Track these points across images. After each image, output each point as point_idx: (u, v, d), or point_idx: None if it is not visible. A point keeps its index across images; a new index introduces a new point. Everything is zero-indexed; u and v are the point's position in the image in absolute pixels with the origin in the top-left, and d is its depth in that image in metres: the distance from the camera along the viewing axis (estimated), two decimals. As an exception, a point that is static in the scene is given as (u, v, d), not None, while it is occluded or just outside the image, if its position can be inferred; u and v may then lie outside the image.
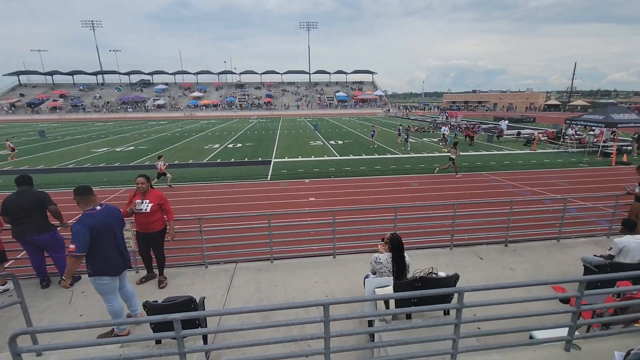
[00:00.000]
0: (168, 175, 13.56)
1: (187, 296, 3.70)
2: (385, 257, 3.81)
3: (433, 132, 32.83)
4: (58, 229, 5.38)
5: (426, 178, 14.72)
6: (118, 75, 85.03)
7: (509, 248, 6.60)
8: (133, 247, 5.53)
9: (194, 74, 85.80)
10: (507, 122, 32.63)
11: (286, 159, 19.70)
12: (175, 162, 19.11)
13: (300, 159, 19.83)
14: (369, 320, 4.04)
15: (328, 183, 14.07)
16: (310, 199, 11.88)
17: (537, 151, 21.54)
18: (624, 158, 18.11)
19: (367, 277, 4.37)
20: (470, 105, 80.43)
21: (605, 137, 21.07)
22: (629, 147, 20.15)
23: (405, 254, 4.03)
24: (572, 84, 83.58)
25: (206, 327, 3.85)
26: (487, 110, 71.01)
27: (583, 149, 21.19)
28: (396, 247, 3.75)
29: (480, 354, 3.17)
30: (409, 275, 4.18)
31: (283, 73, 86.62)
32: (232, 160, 19.71)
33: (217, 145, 25.77)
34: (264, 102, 76.12)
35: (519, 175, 15.11)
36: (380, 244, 4.05)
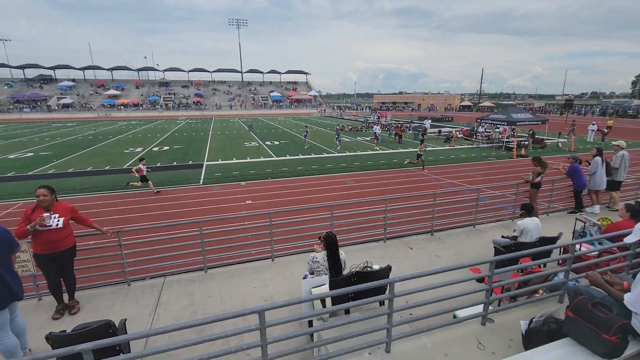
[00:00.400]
0: (149, 182, 12.71)
1: (104, 320, 3.25)
2: (321, 255, 3.83)
3: (366, 131, 34.39)
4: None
5: (361, 175, 15.34)
6: (9, 70, 71.81)
7: (435, 237, 7.18)
8: (33, 271, 4.69)
9: (108, 69, 76.84)
10: (430, 121, 35.76)
11: (220, 162, 18.80)
12: (89, 169, 16.91)
13: (235, 161, 19.11)
14: (309, 321, 4.02)
15: (265, 185, 13.80)
16: (247, 202, 11.51)
17: (455, 147, 23.98)
18: (522, 151, 21.14)
19: (305, 277, 4.35)
20: (398, 106, 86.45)
21: (507, 134, 24.40)
22: (525, 142, 23.60)
23: (341, 251, 4.10)
24: (480, 87, 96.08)
25: (129, 352, 3.42)
26: (412, 111, 77.01)
27: (491, 145, 24.21)
28: (331, 245, 3.79)
29: (412, 339, 3.36)
30: (346, 272, 4.27)
31: (213, 71, 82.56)
32: (159, 164, 18.13)
33: (139, 149, 23.47)
34: (193, 102, 71.74)
35: (441, 169, 16.65)
36: (316, 244, 4.07)
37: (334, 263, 3.81)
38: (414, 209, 7.72)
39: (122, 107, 65.78)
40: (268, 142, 26.35)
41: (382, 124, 34.88)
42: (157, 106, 68.56)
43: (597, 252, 4.62)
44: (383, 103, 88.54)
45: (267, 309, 2.59)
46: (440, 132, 31.43)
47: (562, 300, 3.89)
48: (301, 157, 20.13)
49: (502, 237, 6.06)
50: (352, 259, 5.56)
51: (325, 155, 20.69)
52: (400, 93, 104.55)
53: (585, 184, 8.49)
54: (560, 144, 24.31)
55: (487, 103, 79.55)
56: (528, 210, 5.70)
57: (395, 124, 37.83)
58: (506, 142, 23.36)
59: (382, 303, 4.19)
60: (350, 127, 36.84)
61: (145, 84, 79.81)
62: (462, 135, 28.80)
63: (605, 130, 27.30)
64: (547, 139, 25.11)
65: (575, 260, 4.41)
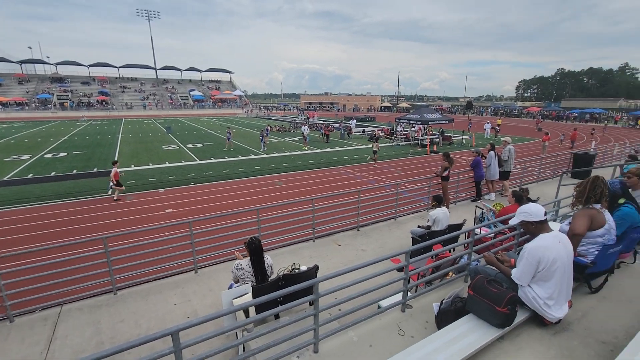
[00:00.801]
0: (120, 186, 11.90)
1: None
2: (246, 262, 3.66)
3: (294, 131, 34.57)
4: None
5: (291, 176, 15.33)
6: None
7: (361, 232, 7.52)
8: None
9: (-27, 60, 63.06)
10: (355, 121, 37.57)
11: (133, 168, 16.91)
12: (-45, 183, 13.65)
13: (151, 166, 17.39)
14: (236, 333, 3.82)
15: (188, 191, 12.84)
16: (167, 210, 10.56)
17: (379, 145, 25.62)
18: (435, 148, 23.54)
19: (231, 286, 4.12)
20: (325, 106, 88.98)
21: (422, 132, 26.96)
22: (437, 139, 26.35)
23: (267, 255, 3.98)
24: (398, 89, 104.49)
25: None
26: (338, 111, 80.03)
27: (409, 142, 26.45)
28: (254, 250, 3.65)
29: (339, 335, 3.42)
30: (274, 276, 4.17)
31: (120, 67, 73.82)
32: (53, 174, 15.51)
33: (26, 157, 19.79)
34: (97, 101, 63.14)
35: (366, 166, 17.58)
36: (238, 250, 3.87)
37: (259, 269, 3.67)
38: (341, 207, 7.96)
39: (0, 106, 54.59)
40: (190, 145, 24.62)
41: (309, 124, 35.49)
42: (50, 105, 58.51)
43: (493, 234, 5.31)
44: (310, 103, 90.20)
45: (181, 329, 2.34)
46: (364, 131, 33.23)
47: (467, 280, 4.38)
48: (227, 159, 19.28)
49: (419, 226, 6.62)
50: (281, 261, 5.50)
51: (253, 157, 20.19)
52: (326, 94, 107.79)
53: (484, 175, 9.80)
54: (464, 141, 27.72)
55: (404, 104, 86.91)
56: (438, 201, 6.32)
57: (322, 124, 38.84)
58: (421, 139, 25.77)
59: (312, 303, 4.20)
60: (278, 127, 36.63)
61: (32, 79, 67.20)
62: (383, 134, 30.90)
63: (497, 128, 32.06)
64: (453, 136, 28.43)
65: (476, 243, 5.03)
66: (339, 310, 4.33)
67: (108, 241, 4.90)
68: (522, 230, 4.63)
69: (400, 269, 4.71)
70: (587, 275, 3.29)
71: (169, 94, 73.29)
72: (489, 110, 71.96)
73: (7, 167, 16.83)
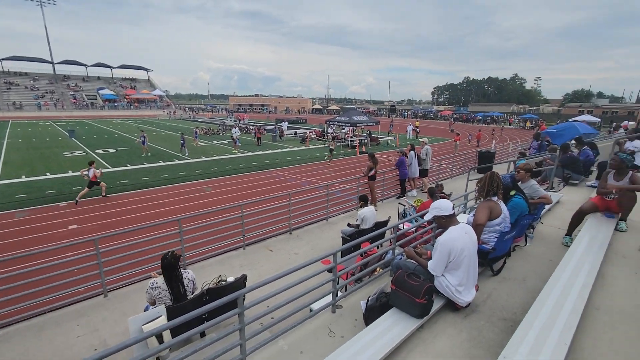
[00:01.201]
0: (102, 184, 11.84)
1: None
2: (162, 280, 3.28)
3: (223, 134, 33.12)
4: None
5: (221, 181, 14.58)
6: None
7: (293, 235, 7.45)
8: None
9: None
10: (286, 123, 37.49)
11: (24, 179, 14.29)
12: None
13: (49, 176, 14.91)
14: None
15: (97, 203, 11.31)
16: (71, 227, 9.15)
17: (311, 147, 25.91)
18: (363, 149, 24.70)
19: (146, 308, 3.68)
20: (255, 108, 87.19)
21: (352, 134, 28.11)
22: (365, 141, 27.71)
23: (188, 270, 3.64)
24: (328, 92, 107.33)
25: None
26: (269, 113, 79.15)
27: (339, 143, 27.33)
28: (166, 266, 3.29)
29: (268, 346, 3.28)
30: (198, 291, 3.84)
31: (3, 59, 62.21)
32: None
33: None
34: (-24, 99, 52.32)
35: (299, 168, 17.63)
36: (153, 272, 3.46)
37: (175, 286, 3.33)
38: (273, 211, 7.79)
39: None
40: (100, 151, 21.77)
41: (240, 127, 34.38)
42: None
43: (414, 229, 5.69)
44: (240, 105, 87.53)
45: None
46: (296, 133, 33.38)
47: (392, 275, 4.60)
48: (146, 165, 17.53)
49: (348, 225, 6.81)
50: (209, 273, 5.13)
51: (177, 162, 18.73)
52: (257, 95, 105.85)
53: (407, 173, 10.54)
54: (389, 141, 29.67)
55: (334, 107, 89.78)
56: (364, 201, 6.58)
57: (255, 126, 37.97)
58: (350, 141, 26.85)
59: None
60: (205, 130, 34.69)
61: None
62: (315, 136, 31.43)
63: (417, 130, 35.10)
64: (380, 137, 30.24)
65: (400, 238, 5.35)
66: (272, 318, 4.19)
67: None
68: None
69: (330, 270, 4.76)
70: (490, 260, 3.70)
71: (72, 93, 63.85)
72: (410, 113, 78.48)
73: None
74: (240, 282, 4.04)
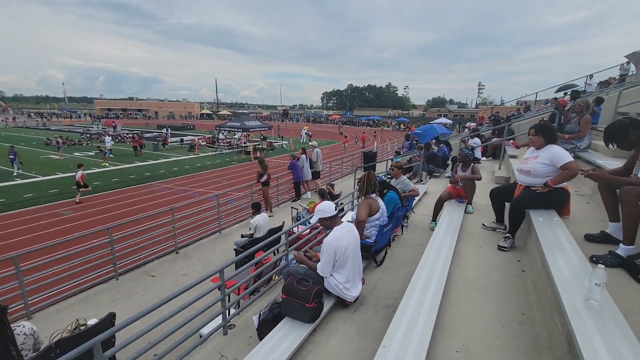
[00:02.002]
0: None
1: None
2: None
3: (88, 144, 27.94)
4: None
5: (87, 200, 12.12)
6: None
7: (180, 254, 6.68)
8: None
9: None
10: (169, 129, 34.06)
11: None
12: None
13: None
14: None
15: None
16: None
17: (200, 155, 24.13)
18: (258, 154, 24.29)
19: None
20: (130, 113, 76.52)
21: (245, 140, 27.37)
22: (260, 146, 27.36)
23: (23, 323, 2.76)
24: (217, 96, 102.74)
25: None
26: (149, 119, 70.61)
27: (232, 150, 26.27)
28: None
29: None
30: (43, 346, 2.97)
31: None
32: None
33: None
34: None
35: (188, 179, 16.15)
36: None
37: (4, 350, 2.48)
38: (154, 229, 6.83)
39: None
40: None
41: (113, 135, 29.60)
42: None
43: (308, 231, 5.75)
44: (109, 110, 75.30)
45: None
46: (182, 140, 30.69)
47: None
48: (-28, 189, 13.34)
49: (242, 236, 6.48)
50: (66, 318, 4.10)
51: (20, 181, 14.84)
52: (131, 99, 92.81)
53: (301, 176, 10.74)
54: (284, 145, 30.07)
55: (225, 112, 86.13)
56: (257, 208, 6.37)
57: (131, 133, 33.23)
58: (244, 146, 26.14)
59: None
60: (61, 139, 28.58)
61: None
62: (205, 143, 29.48)
63: (310, 133, 36.63)
64: (274, 142, 30.36)
65: (295, 242, 5.34)
66: (154, 355, 3.60)
67: None
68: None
69: (220, 288, 4.38)
70: (373, 253, 3.98)
71: None
72: (303, 117, 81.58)
73: None
74: (106, 322, 3.32)
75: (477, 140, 10.15)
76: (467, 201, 5.19)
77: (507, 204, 3.80)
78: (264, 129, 28.05)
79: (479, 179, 5.11)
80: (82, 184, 12.14)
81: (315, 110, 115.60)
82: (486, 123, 15.22)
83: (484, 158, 9.87)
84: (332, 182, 11.05)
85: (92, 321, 3.40)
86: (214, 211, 8.24)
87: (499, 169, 7.63)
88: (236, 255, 5.75)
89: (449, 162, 10.33)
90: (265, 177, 8.97)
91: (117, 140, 29.36)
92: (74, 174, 15.98)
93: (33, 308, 4.66)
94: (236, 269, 5.08)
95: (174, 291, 3.08)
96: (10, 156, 16.28)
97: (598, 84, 15.42)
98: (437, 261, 3.33)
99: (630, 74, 14.62)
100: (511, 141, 9.23)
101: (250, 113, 76.06)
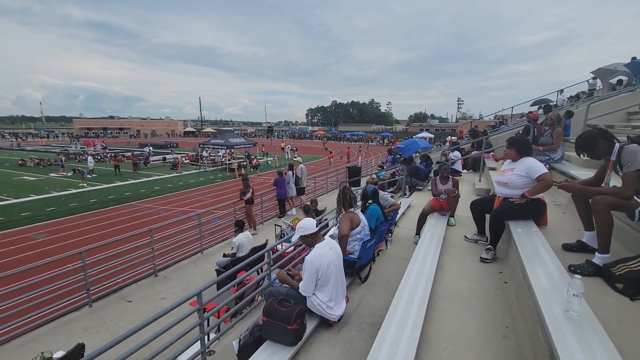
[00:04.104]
0: None
1: None
2: None
3: (67, 164, 27.03)
4: None
5: (59, 223, 11.61)
6: None
7: (159, 277, 6.41)
8: None
9: None
10: (150, 148, 33.48)
11: None
12: None
13: None
14: None
15: None
16: None
17: (183, 173, 23.71)
18: (242, 171, 24.07)
19: None
20: (111, 132, 75.05)
21: (230, 157, 27.16)
22: (244, 163, 27.16)
23: None
24: (201, 114, 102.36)
25: None
26: (131, 137, 69.35)
27: (216, 167, 25.95)
28: None
29: None
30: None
31: None
32: None
33: None
34: None
35: (170, 198, 15.76)
36: None
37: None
38: (131, 252, 6.54)
39: None
40: None
41: (92, 154, 28.75)
42: None
43: (292, 248, 5.64)
44: (89, 129, 73.64)
45: None
46: (165, 159, 30.15)
47: (270, 301, 4.39)
48: (-64, 214, 12.58)
49: (224, 255, 6.30)
50: (33, 350, 3.81)
51: (-7, 204, 14.15)
52: (112, 117, 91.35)
53: (285, 193, 10.64)
54: (269, 162, 29.95)
55: (209, 129, 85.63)
56: (240, 226, 6.23)
57: (105, 153, 32.45)
58: (228, 164, 25.89)
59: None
60: (36, 160, 27.59)
61: None
62: (188, 160, 29.06)
63: (295, 149, 36.74)
64: (259, 159, 30.24)
65: (279, 259, 5.22)
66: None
67: None
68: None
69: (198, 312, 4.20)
70: (357, 269, 3.91)
71: None
72: (288, 134, 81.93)
73: None
74: (74, 354, 3.10)
75: (457, 153, 10.38)
76: (449, 214, 5.23)
77: (488, 216, 3.85)
78: (248, 145, 27.95)
79: (456, 195, 5.15)
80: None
81: (300, 126, 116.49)
82: (466, 137, 15.66)
83: (465, 171, 10.08)
84: (315, 198, 11.01)
85: (58, 354, 3.17)
86: (195, 231, 8.00)
87: (479, 181, 7.78)
88: (217, 276, 5.57)
89: (431, 175, 10.49)
90: (248, 195, 8.85)
91: (96, 159, 28.57)
92: (52, 195, 15.40)
93: (20, 331, 4.32)
94: (217, 290, 4.91)
95: (150, 316, 2.92)
96: None
97: (568, 98, 16.22)
98: (421, 275, 3.30)
99: (597, 88, 15.46)
100: (491, 153, 9.49)
101: (235, 130, 75.96)
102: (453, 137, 20.48)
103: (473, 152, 10.26)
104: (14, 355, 4.12)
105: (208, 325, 3.47)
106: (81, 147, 36.01)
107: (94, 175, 21.70)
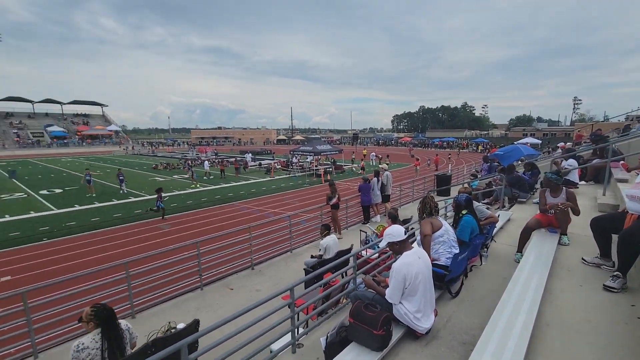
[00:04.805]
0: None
1: None
2: (90, 338, 2.88)
3: (184, 168, 32.08)
4: None
5: (180, 217, 13.86)
6: None
7: (255, 270, 7.11)
8: None
9: None
10: (251, 154, 37.27)
11: (-49, 227, 12.70)
12: None
13: (-18, 222, 13.38)
14: None
15: (37, 249, 10.20)
16: (5, 278, 8.11)
17: (275, 178, 25.76)
18: (328, 177, 24.96)
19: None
20: (219, 141, 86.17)
21: (317, 163, 28.49)
22: (330, 169, 28.14)
23: (122, 321, 3.24)
24: (291, 123, 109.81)
25: None
26: (233, 145, 78.46)
27: (304, 173, 27.46)
28: (106, 318, 2.93)
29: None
30: (136, 341, 3.43)
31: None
32: None
33: None
34: None
35: (264, 200, 17.32)
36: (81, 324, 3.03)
37: (115, 340, 2.95)
38: (233, 246, 7.44)
39: None
40: (44, 191, 20.01)
41: (209, 159, 33.49)
42: None
43: (377, 255, 5.65)
44: (202, 138, 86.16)
45: None
46: (260, 164, 33.18)
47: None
48: (97, 205, 16.32)
49: (312, 256, 6.65)
50: (161, 320, 4.67)
51: (133, 199, 17.69)
52: (220, 128, 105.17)
53: (369, 199, 10.68)
54: (354, 169, 30.33)
55: (298, 137, 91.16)
56: (327, 229, 6.51)
57: (216, 158, 37.33)
58: (315, 169, 27.12)
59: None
60: (164, 164, 33.42)
61: None
62: (280, 166, 31.44)
63: (380, 156, 36.41)
64: (344, 165, 30.87)
65: (362, 265, 5.28)
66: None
67: None
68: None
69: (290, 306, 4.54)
70: (447, 283, 3.72)
71: (15, 130, 59.24)
72: (373, 141, 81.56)
73: None
74: (192, 328, 3.69)
75: (572, 161, 8.90)
76: (560, 231, 4.55)
77: (615, 236, 3.24)
78: (334, 152, 28.81)
79: (576, 211, 4.45)
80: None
81: (386, 133, 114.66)
82: (585, 142, 13.24)
83: (583, 182, 8.57)
84: (396, 207, 10.71)
85: (180, 325, 3.82)
86: (286, 231, 8.64)
87: (603, 194, 6.53)
88: (305, 275, 5.92)
89: (537, 186, 9.20)
90: (334, 200, 9.15)
91: (213, 164, 33.03)
92: (173, 194, 18.47)
93: (137, 309, 5.42)
94: (305, 289, 5.22)
95: (248, 305, 3.31)
96: (120, 177, 20.00)
97: None
98: (524, 298, 2.97)
99: None
100: (621, 162, 7.86)
101: (322, 137, 79.09)
102: (568, 144, 17.55)
103: (595, 160, 8.64)
104: (148, 321, 5.09)
105: (297, 320, 3.74)
106: (196, 154, 42.28)
107: (210, 177, 25.31)
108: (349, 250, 6.30)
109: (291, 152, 29.96)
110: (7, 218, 13.86)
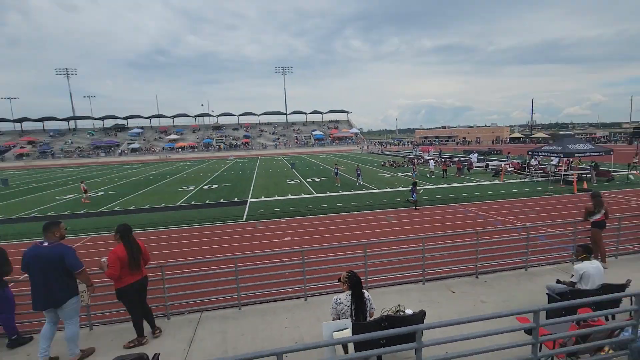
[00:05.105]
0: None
1: (138, 354, 3.41)
2: (345, 296, 3.72)
3: (408, 166, 33.87)
4: (10, 284, 5.10)
5: (402, 212, 14.93)
6: (92, 121, 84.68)
7: (480, 280, 6.63)
8: (88, 302, 5.03)
9: (170, 117, 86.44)
10: (476, 154, 34.35)
11: (263, 199, 19.57)
12: (147, 207, 18.52)
13: (277, 198, 19.76)
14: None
15: (304, 221, 13.97)
16: (286, 238, 11.70)
17: (505, 181, 22.51)
18: (585, 185, 19.17)
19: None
20: (442, 140, 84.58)
21: (566, 166, 22.50)
22: (588, 175, 21.50)
23: (365, 291, 3.93)
24: (531, 118, 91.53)
25: (161, 387, 3.51)
26: (457, 144, 74.74)
27: (547, 178, 22.37)
28: (355, 284, 3.68)
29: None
30: (374, 311, 4.06)
31: (260, 114, 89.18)
32: (207, 202, 19.35)
33: (192, 187, 25.35)
34: (242, 143, 77.12)
35: (490, 205, 15.63)
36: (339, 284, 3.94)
37: (358, 304, 3.67)
38: (456, 249, 7.25)
39: (180, 149, 72.64)
40: (309, 179, 27.00)
41: (433, 159, 34.04)
42: (210, 147, 74.71)
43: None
44: (425, 137, 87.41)
45: (285, 352, 2.56)
46: (487, 165, 29.89)
47: (632, 362, 3.31)
48: (341, 193, 20.24)
49: (558, 281, 5.44)
50: (386, 301, 5.33)
51: (366, 191, 20.60)
52: (443, 127, 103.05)
53: (662, 222, 7.43)
54: (631, 177, 21.70)
55: (540, 134, 74.69)
56: (587, 253, 5.10)
57: (438, 158, 36.96)
58: (564, 175, 21.45)
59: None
60: (391, 162, 36.56)
61: (201, 128, 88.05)
62: (512, 168, 27.08)
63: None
64: (614, 171, 22.64)
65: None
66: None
67: (238, 262, 5.77)
68: None
69: (529, 331, 3.97)
70: None
71: (295, 135, 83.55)
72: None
73: (179, 196, 21.93)
74: (419, 317, 3.99)
75: None
76: None
77: None
78: (596, 153, 21.59)
79: None
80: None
81: None
82: None
83: None
84: None
85: (408, 311, 4.22)
86: (520, 244, 7.47)
87: None
88: (549, 302, 4.92)
89: None
90: (599, 216, 6.97)
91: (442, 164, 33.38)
92: (399, 189, 20.06)
93: (369, 285, 6.38)
94: (546, 318, 4.37)
95: (474, 315, 3.18)
96: (358, 172, 23.96)
97: None
98: None
99: None
100: None
101: (577, 135, 60.92)
102: None
103: None
104: (380, 298, 5.84)
105: (540, 351, 3.23)
106: (419, 153, 43.74)
107: (432, 176, 25.77)
108: (623, 287, 4.68)
109: (530, 153, 25.02)
110: (289, 196, 19.82)
